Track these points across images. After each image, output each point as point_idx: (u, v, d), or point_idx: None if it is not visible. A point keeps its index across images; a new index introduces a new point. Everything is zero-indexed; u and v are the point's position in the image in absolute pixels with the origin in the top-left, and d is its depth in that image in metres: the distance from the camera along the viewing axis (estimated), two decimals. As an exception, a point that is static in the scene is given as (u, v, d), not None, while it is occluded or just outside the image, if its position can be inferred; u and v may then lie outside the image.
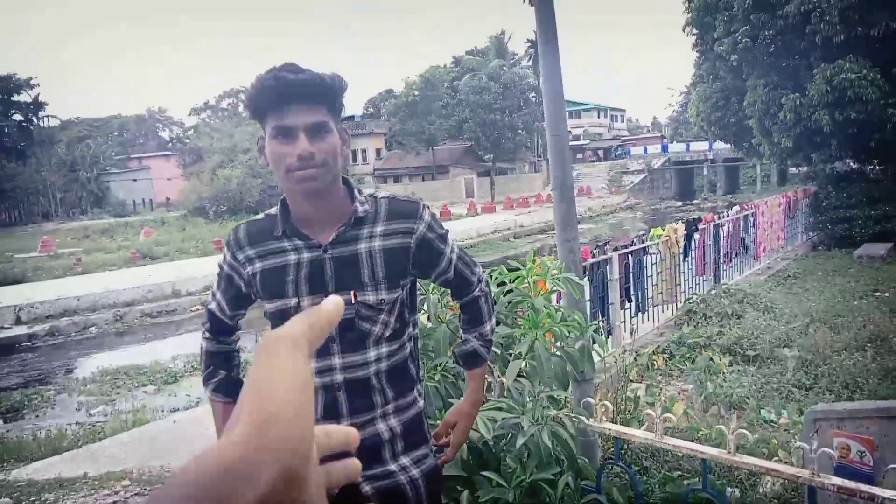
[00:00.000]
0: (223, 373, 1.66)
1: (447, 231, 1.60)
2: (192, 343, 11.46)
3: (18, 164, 47.68)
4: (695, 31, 13.86)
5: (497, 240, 24.68)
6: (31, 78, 50.26)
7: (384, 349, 1.49)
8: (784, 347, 5.52)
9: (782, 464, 1.65)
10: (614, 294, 5.99)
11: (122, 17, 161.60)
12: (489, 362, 2.28)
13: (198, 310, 14.63)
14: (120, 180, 53.70)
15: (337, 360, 1.46)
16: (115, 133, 66.58)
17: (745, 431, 1.78)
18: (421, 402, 1.58)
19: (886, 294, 7.79)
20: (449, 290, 1.71)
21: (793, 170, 36.48)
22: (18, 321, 12.90)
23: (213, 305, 1.67)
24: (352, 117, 54.71)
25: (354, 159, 51.10)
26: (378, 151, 52.35)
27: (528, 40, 51.93)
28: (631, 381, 4.83)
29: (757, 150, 14.14)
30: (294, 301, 1.46)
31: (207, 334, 1.70)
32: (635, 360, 5.26)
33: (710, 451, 1.75)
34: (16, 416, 8.31)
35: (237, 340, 1.76)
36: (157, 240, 25.24)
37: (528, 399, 2.03)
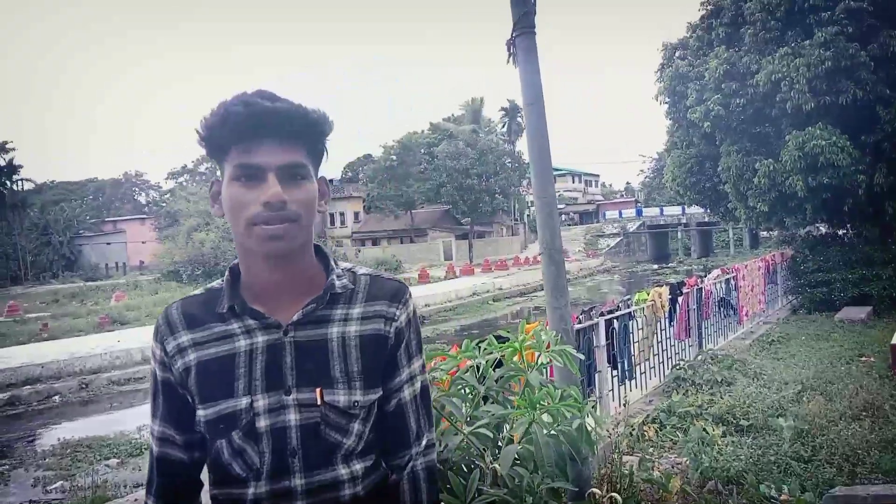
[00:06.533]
0: None
1: (422, 344, 1.29)
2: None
3: (-12, 227, 46.94)
4: (667, 99, 14.21)
5: (476, 303, 24.52)
6: (6, 142, 50.02)
7: (358, 466, 1.16)
8: (778, 417, 5.34)
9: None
10: (602, 361, 5.81)
11: (104, 83, 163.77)
12: (482, 448, 2.05)
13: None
14: (93, 244, 53.10)
15: (298, 481, 1.11)
16: (91, 197, 66.13)
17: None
18: None
19: (872, 359, 7.69)
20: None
21: (764, 234, 37.29)
22: (-24, 391, 12.28)
23: (156, 447, 1.20)
24: (331, 181, 54.90)
25: (332, 223, 51.29)
26: (356, 215, 52.62)
27: (502, 108, 53.38)
28: (623, 453, 4.61)
29: (732, 214, 14.32)
30: (245, 401, 1.10)
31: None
32: (631, 432, 5.04)
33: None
34: (-34, 495, 7.78)
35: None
36: (128, 304, 24.67)
37: (525, 494, 1.81)
